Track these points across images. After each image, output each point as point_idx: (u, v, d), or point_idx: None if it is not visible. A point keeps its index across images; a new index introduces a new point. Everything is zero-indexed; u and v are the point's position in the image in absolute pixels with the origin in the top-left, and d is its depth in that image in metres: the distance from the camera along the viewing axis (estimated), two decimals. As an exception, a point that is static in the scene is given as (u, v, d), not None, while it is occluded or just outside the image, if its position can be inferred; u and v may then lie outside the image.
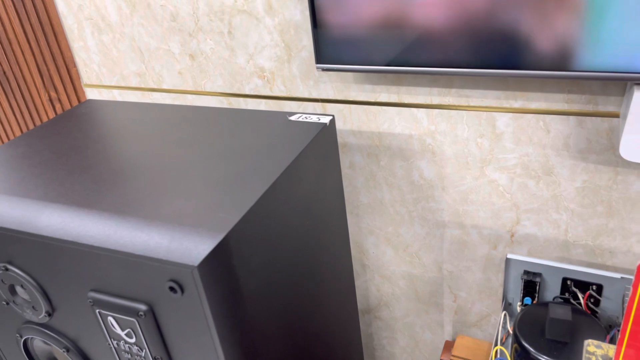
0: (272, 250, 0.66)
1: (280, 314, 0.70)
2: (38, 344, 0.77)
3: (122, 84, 1.16)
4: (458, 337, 0.83)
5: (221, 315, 0.57)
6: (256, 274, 0.63)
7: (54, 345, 0.73)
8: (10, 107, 1.36)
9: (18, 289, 0.70)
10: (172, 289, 0.56)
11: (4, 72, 1.31)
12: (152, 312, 0.60)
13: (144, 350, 0.63)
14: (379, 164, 0.98)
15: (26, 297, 0.70)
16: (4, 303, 0.72)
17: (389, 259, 1.09)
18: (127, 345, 0.64)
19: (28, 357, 0.78)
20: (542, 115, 0.81)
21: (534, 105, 0.81)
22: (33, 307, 0.70)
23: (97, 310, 0.63)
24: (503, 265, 0.98)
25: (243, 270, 0.60)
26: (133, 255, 0.56)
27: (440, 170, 0.93)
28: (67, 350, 0.71)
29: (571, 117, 0.79)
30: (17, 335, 0.75)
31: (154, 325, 0.61)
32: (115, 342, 0.65)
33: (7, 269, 0.67)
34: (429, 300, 1.10)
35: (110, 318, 0.63)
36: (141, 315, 0.60)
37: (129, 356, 0.65)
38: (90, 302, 0.63)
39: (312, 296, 0.81)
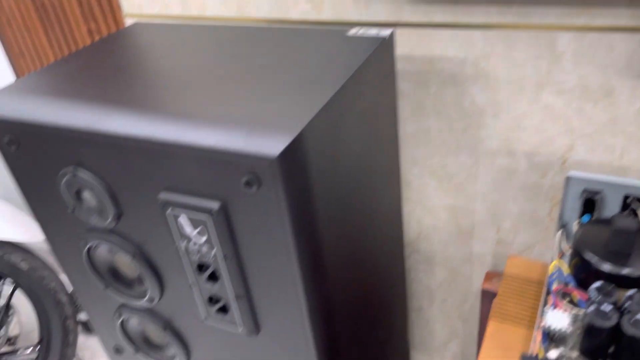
0: (335, 159, 0.66)
1: (339, 224, 0.71)
2: (101, 253, 0.79)
3: (164, 13, 1.15)
4: (509, 257, 0.84)
5: (295, 210, 0.58)
6: (322, 178, 0.63)
7: (119, 252, 0.75)
8: (49, 40, 1.36)
9: (85, 194, 0.71)
10: (248, 183, 0.57)
11: (43, 4, 1.30)
12: (224, 210, 0.61)
13: (214, 249, 0.65)
14: (429, 91, 0.97)
15: (93, 203, 0.71)
16: (69, 210, 0.74)
17: (432, 191, 1.09)
18: (196, 245, 0.65)
19: (90, 266, 0.80)
20: (605, 33, 0.79)
21: (598, 22, 0.79)
22: (100, 212, 0.71)
23: (168, 210, 0.64)
24: (551, 194, 0.98)
25: (313, 170, 0.60)
26: (210, 149, 0.57)
27: (494, 95, 0.92)
28: (133, 256, 0.73)
29: (637, 35, 0.77)
30: (81, 243, 0.77)
31: (226, 222, 0.62)
32: (184, 243, 0.66)
33: (75, 174, 0.68)
34: (471, 232, 1.11)
35: (181, 218, 0.64)
36: (214, 213, 0.61)
37: (198, 256, 0.67)
38: (161, 202, 0.64)
39: (366, 216, 0.81)
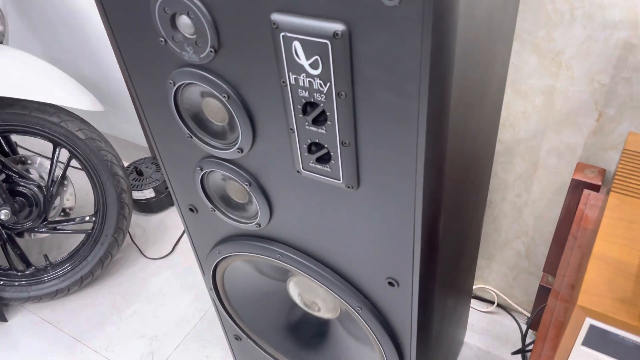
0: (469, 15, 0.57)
1: (463, 75, 0.63)
2: (189, 96, 0.73)
3: None
4: (630, 134, 0.76)
5: (436, 35, 0.50)
6: (462, 11, 0.54)
7: (211, 93, 0.69)
8: None
9: (181, 22, 0.64)
10: (388, -6, 0.49)
11: None
12: (349, 34, 0.53)
13: (328, 85, 0.58)
14: (550, -54, 0.85)
15: (189, 32, 0.64)
16: (161, 40, 0.67)
17: (531, 70, 1.00)
18: (307, 79, 0.59)
19: (177, 111, 0.75)
20: None
21: None
22: (196, 43, 0.65)
23: (281, 35, 0.57)
24: (673, 76, 0.88)
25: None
26: (345, -48, 0.48)
27: (631, -49, 0.80)
28: (228, 97, 0.67)
29: None
30: (170, 81, 0.71)
31: (348, 50, 0.54)
32: (293, 78, 0.60)
33: (174, -8, 0.61)
34: (566, 119, 1.02)
35: (295, 43, 0.57)
36: (337, 35, 0.53)
37: (306, 94, 0.60)
38: (273, 24, 0.57)
39: (481, 81, 0.73)
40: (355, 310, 0.84)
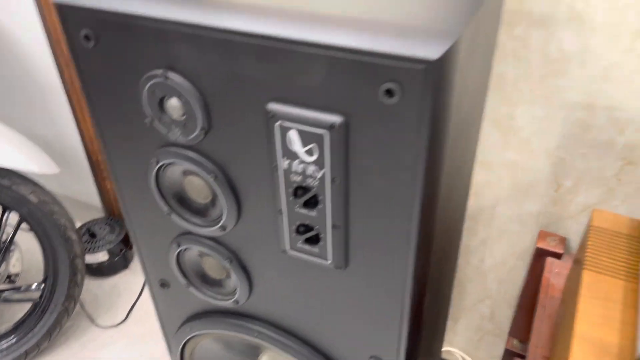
0: (463, 85, 0.61)
1: (449, 161, 0.65)
2: (170, 174, 0.72)
3: None
4: (595, 210, 0.81)
5: (433, 129, 0.53)
6: (454, 100, 0.57)
7: (197, 173, 0.68)
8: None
9: (169, 104, 0.64)
10: (389, 92, 0.51)
11: None
12: (346, 125, 0.55)
13: (323, 171, 0.59)
14: (512, 32, 0.91)
15: (177, 114, 0.64)
16: (148, 121, 0.66)
17: (493, 144, 1.05)
18: (301, 165, 0.59)
19: (157, 189, 0.73)
20: None
21: None
22: (184, 125, 0.64)
23: (276, 123, 0.57)
24: (624, 153, 0.94)
25: (454, 87, 0.54)
26: (347, 50, 0.50)
27: (585, 41, 0.87)
28: (215, 177, 0.67)
29: None
30: (153, 160, 0.70)
31: (344, 140, 0.56)
32: (286, 162, 0.60)
33: (166, 77, 0.61)
34: (527, 190, 1.08)
35: (291, 132, 0.57)
36: (335, 127, 0.55)
37: (299, 178, 0.61)
38: (269, 113, 0.57)
39: (458, 162, 0.76)
40: (336, 389, 0.82)
